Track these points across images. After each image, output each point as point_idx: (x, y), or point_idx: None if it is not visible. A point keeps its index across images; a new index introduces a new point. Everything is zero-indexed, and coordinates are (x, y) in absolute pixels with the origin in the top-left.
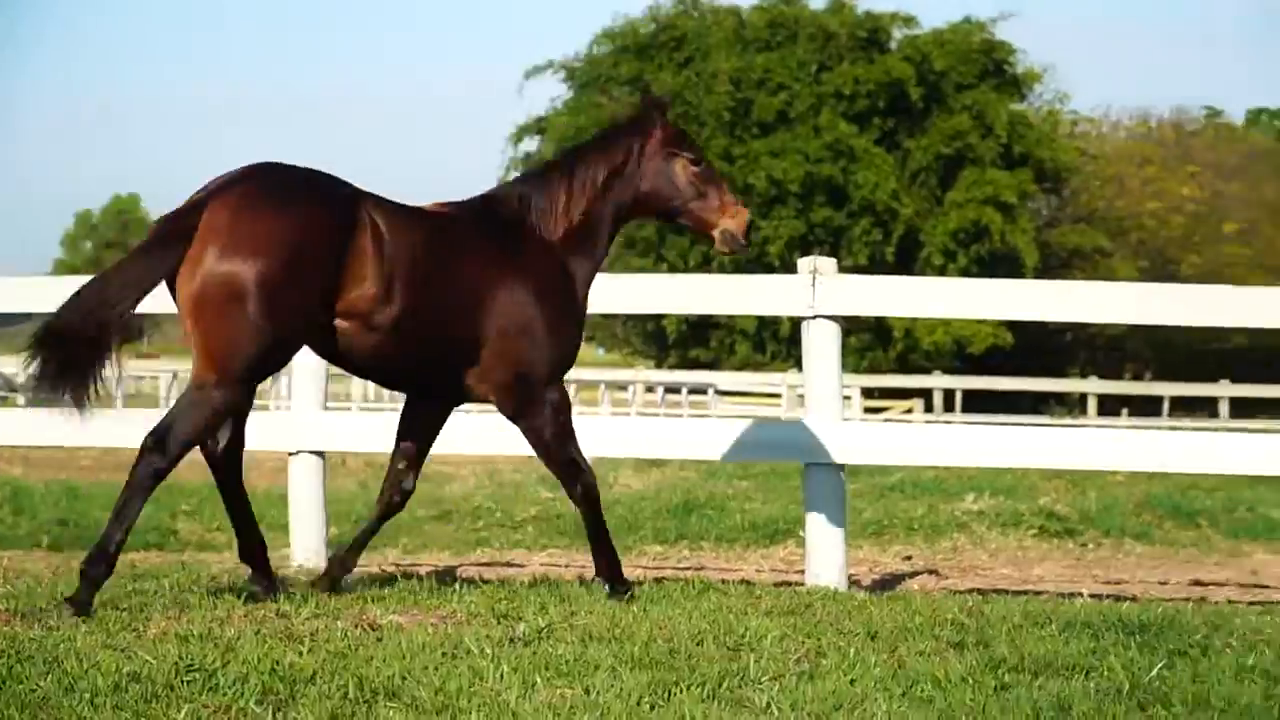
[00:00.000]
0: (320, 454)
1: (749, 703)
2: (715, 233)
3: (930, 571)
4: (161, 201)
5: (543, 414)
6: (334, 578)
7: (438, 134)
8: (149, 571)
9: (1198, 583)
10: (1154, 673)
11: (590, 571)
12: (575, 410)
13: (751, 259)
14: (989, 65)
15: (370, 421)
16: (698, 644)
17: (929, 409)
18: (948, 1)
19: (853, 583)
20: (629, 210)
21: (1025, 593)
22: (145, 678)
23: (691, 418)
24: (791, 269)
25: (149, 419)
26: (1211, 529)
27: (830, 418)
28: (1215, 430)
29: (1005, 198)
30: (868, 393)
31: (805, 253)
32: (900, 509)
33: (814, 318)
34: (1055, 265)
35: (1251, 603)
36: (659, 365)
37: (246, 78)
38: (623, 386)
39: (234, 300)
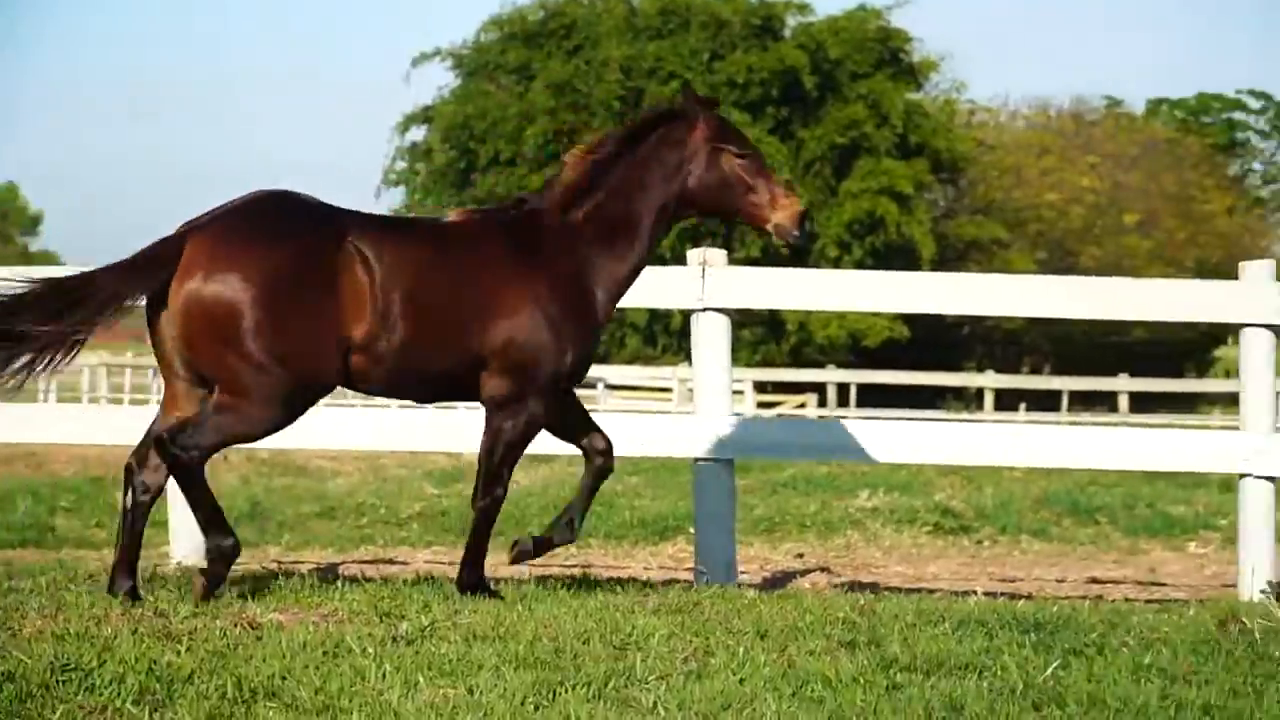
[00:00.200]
0: None
1: (635, 703)
2: (769, 227)
3: (822, 569)
4: (41, 191)
5: (514, 420)
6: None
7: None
8: (26, 569)
9: (1095, 580)
10: (1049, 672)
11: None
12: (464, 406)
13: None
14: (885, 53)
15: None
16: (583, 643)
17: (823, 404)
18: None
19: (743, 580)
20: (676, 209)
21: (919, 591)
22: (20, 677)
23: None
24: (682, 261)
25: None
26: (1110, 526)
27: (720, 412)
28: (1115, 425)
29: (901, 188)
30: (760, 387)
31: (696, 244)
32: (793, 505)
33: (703, 310)
34: (952, 257)
35: (1149, 601)
36: None
37: (118, 64)
38: None
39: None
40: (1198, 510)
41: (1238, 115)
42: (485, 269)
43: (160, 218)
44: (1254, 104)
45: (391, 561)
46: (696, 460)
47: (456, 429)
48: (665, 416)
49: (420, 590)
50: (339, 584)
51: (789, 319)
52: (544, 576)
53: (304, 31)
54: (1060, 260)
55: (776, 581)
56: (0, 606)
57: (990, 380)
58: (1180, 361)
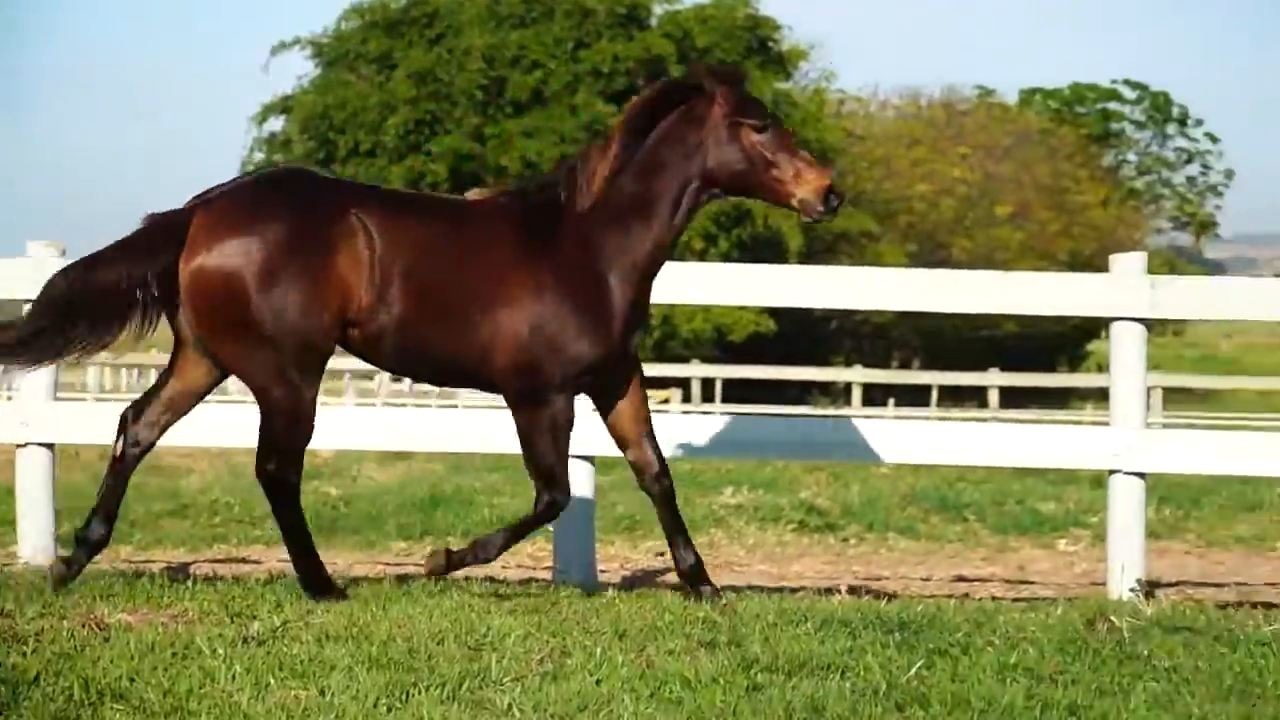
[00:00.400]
0: (50, 446)
1: (490, 704)
2: (794, 203)
3: None
4: None
5: (533, 416)
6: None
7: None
8: None
9: (962, 579)
10: (912, 672)
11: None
12: (320, 401)
13: None
14: (753, 42)
15: (105, 412)
16: (438, 643)
17: (687, 399)
18: None
19: (602, 580)
20: (699, 188)
21: (782, 589)
22: None
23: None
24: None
25: None
26: (979, 523)
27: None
28: (985, 420)
29: None
30: None
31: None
32: None
33: None
34: (820, 250)
35: (1016, 599)
36: None
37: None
38: (369, 376)
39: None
40: (1068, 507)
41: (1112, 105)
42: (491, 252)
43: None
44: (1129, 94)
45: (245, 561)
46: None
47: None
48: None
49: (273, 589)
50: (190, 584)
51: (652, 312)
52: (402, 576)
53: (161, 19)
54: (931, 253)
55: (636, 581)
56: None
57: (858, 375)
58: (1053, 356)
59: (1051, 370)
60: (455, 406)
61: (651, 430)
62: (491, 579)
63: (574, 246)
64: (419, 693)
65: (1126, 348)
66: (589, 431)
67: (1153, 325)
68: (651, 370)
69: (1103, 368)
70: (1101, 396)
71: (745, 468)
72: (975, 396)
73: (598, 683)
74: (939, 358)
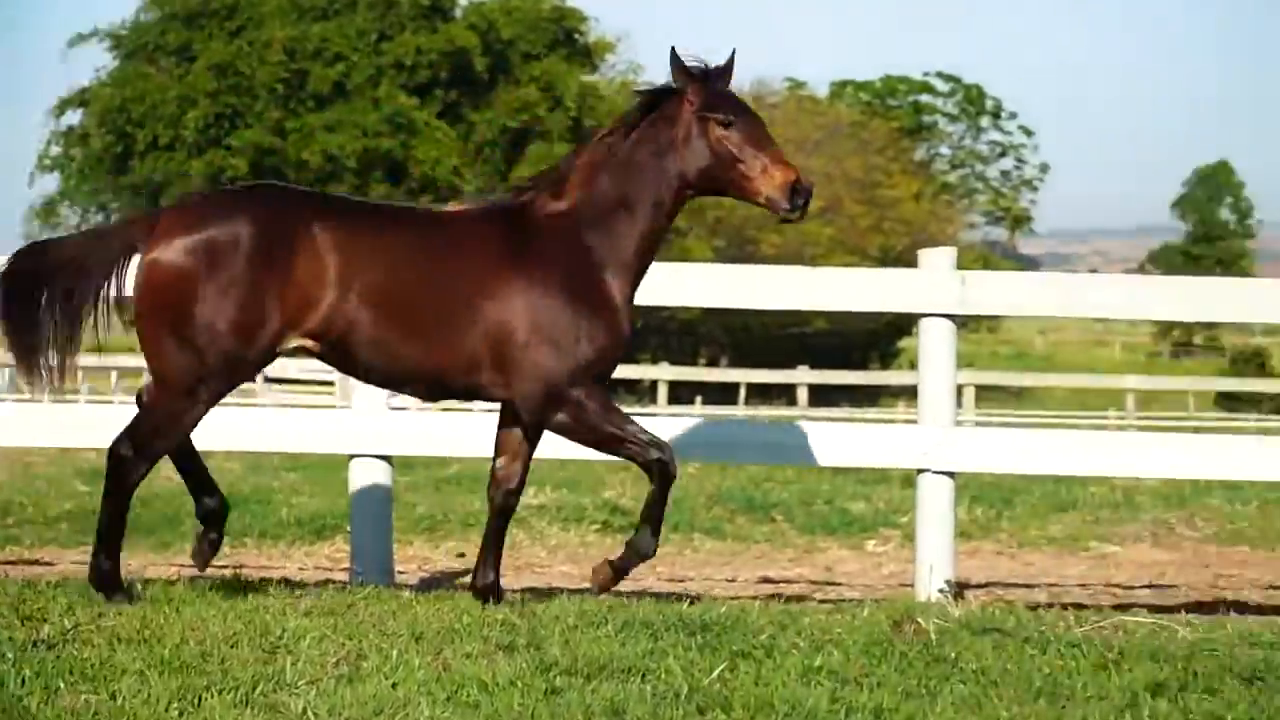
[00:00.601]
0: None
1: (284, 708)
2: (761, 200)
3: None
4: None
5: (546, 422)
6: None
7: None
8: None
9: (768, 580)
10: (715, 674)
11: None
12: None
13: None
14: (559, 34)
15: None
16: (232, 646)
17: None
18: None
19: (400, 581)
20: (679, 189)
21: (583, 591)
22: None
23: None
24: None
25: None
26: (787, 523)
27: (377, 407)
28: (793, 418)
29: None
30: None
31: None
32: (457, 503)
33: None
34: None
35: (822, 601)
36: None
37: None
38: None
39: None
40: (878, 507)
41: (925, 98)
42: (469, 261)
43: None
44: (942, 86)
45: (37, 562)
46: (352, 457)
47: (105, 423)
48: (324, 411)
49: (65, 592)
50: None
51: None
52: (194, 578)
53: None
54: (739, 248)
55: (435, 582)
56: None
57: (665, 372)
58: (865, 353)
59: (863, 368)
60: (255, 405)
61: (531, 451)
62: (287, 580)
63: (560, 249)
64: (212, 696)
65: (935, 344)
66: (387, 431)
67: (963, 322)
68: None
69: (914, 365)
70: (913, 394)
71: (548, 466)
72: (784, 394)
73: (394, 686)
74: (747, 355)
